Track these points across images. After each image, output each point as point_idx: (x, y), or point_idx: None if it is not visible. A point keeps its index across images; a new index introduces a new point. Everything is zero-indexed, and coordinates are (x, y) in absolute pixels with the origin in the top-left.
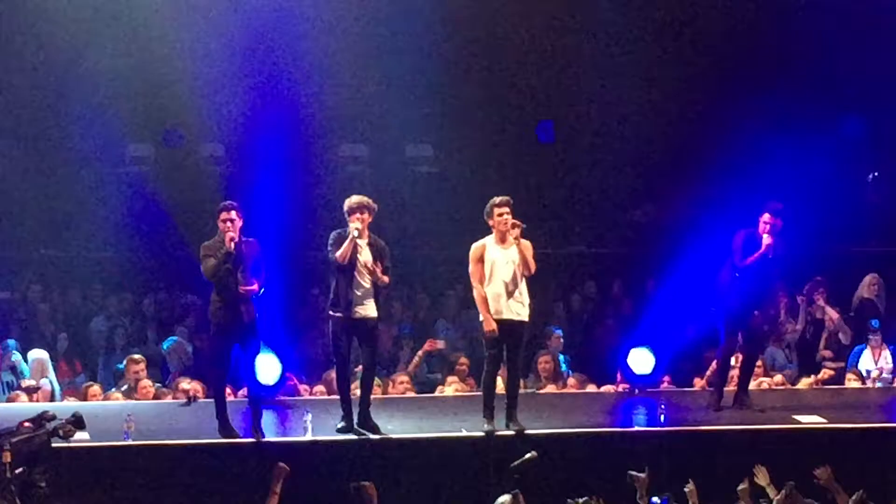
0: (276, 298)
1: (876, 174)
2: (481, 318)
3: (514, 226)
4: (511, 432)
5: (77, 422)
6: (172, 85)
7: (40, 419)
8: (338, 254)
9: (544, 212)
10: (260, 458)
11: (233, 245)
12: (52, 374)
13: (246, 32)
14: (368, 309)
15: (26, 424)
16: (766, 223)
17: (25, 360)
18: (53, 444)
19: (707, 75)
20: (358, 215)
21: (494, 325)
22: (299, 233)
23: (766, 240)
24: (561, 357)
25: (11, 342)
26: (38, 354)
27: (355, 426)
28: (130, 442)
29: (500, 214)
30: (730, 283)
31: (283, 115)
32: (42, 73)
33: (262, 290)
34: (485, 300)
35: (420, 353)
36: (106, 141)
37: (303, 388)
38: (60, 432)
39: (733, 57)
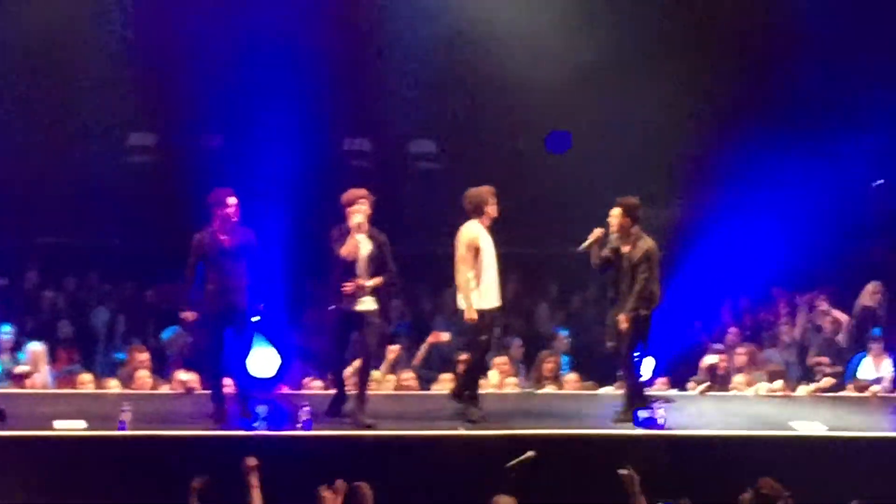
0: (278, 292)
1: (882, 180)
2: (463, 304)
3: None
4: (505, 431)
5: None
6: (174, 75)
7: None
8: (342, 251)
9: (545, 211)
10: (251, 450)
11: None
12: (45, 367)
13: (248, 25)
14: (368, 302)
15: None
16: None
17: (21, 348)
18: None
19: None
20: (357, 206)
21: (476, 315)
22: (301, 227)
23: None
24: (564, 358)
25: (6, 325)
26: (35, 346)
27: (343, 415)
28: (127, 432)
29: (494, 203)
30: None
31: (286, 108)
32: (42, 57)
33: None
34: (470, 288)
35: (425, 345)
36: (106, 128)
37: (304, 381)
38: None
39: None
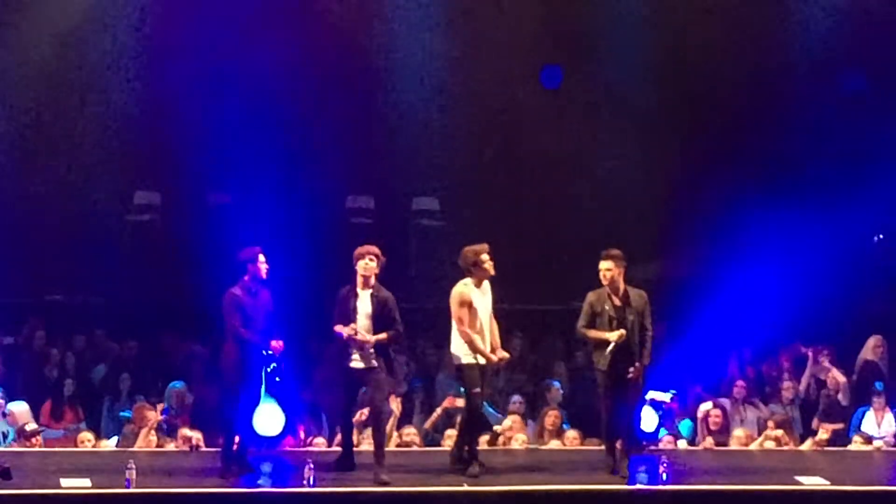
0: (284, 350)
1: (881, 236)
2: (468, 359)
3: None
4: (509, 487)
5: (3, 473)
6: (178, 134)
7: None
8: (335, 327)
9: (547, 267)
10: None
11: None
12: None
13: (252, 84)
14: (369, 359)
15: None
16: None
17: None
18: None
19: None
20: (362, 262)
21: (494, 358)
22: (304, 284)
23: None
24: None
25: None
26: (18, 406)
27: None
28: (132, 489)
29: (487, 261)
30: None
31: (290, 167)
32: (48, 116)
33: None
34: (474, 341)
35: (439, 410)
36: (112, 187)
37: (308, 439)
38: None
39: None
